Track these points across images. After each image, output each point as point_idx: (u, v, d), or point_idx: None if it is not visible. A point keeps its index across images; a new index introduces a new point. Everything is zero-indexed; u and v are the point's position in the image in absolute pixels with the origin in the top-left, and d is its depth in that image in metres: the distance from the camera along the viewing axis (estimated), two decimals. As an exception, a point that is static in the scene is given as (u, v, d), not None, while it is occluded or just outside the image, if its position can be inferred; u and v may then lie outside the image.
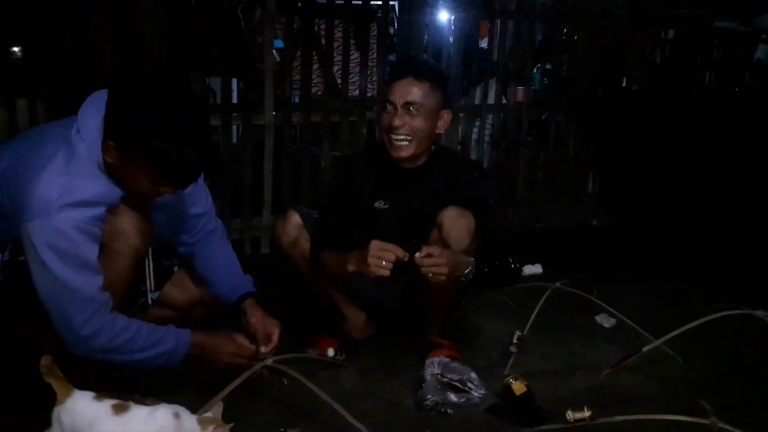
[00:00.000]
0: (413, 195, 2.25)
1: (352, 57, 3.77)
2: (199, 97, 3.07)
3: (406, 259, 1.93)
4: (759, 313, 2.20)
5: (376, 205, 2.27)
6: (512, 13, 4.32)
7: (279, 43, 3.83)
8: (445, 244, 2.10)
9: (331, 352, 2.25)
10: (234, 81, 3.95)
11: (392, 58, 4.18)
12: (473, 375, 2.08)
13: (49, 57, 2.90)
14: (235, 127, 3.76)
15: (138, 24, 2.97)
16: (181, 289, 2.03)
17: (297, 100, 3.71)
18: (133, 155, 1.55)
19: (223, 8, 3.37)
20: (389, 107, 2.15)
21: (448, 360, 2.11)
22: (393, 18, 4.64)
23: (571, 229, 4.23)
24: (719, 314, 2.18)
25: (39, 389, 1.42)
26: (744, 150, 4.34)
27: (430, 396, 1.98)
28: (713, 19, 4.90)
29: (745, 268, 3.39)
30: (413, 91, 2.13)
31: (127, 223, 1.71)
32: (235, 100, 3.86)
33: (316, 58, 3.71)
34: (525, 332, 2.33)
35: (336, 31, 3.69)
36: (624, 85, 4.71)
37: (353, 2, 3.70)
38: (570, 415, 1.82)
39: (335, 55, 3.72)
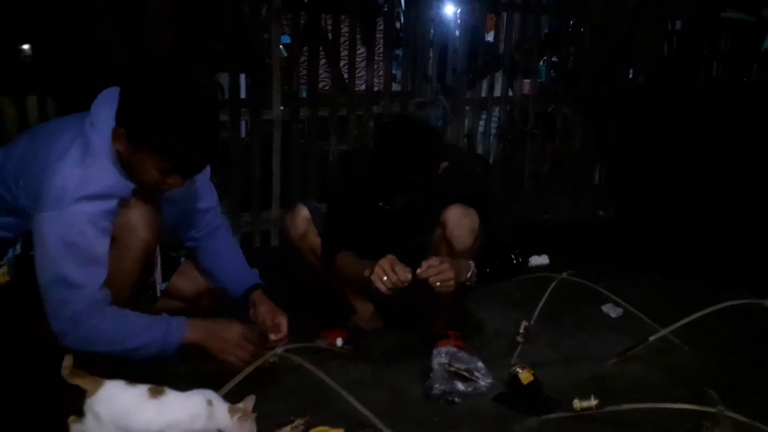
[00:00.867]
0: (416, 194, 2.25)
1: (358, 52, 3.79)
2: (206, 91, 3.10)
3: (406, 285, 1.94)
4: (766, 302, 2.21)
5: (380, 204, 2.28)
6: (518, 6, 4.31)
7: (286, 39, 3.86)
8: (448, 243, 2.11)
9: (339, 342, 2.26)
10: (242, 77, 3.97)
11: (399, 52, 4.19)
12: (480, 364, 2.08)
13: (58, 55, 2.93)
14: (243, 123, 3.79)
15: (146, 21, 2.99)
16: (188, 280, 2.06)
17: (304, 94, 3.73)
18: (142, 142, 1.58)
19: (228, 6, 3.39)
20: None
21: (455, 350, 2.11)
22: (399, 12, 4.65)
23: (578, 220, 4.23)
24: (726, 304, 2.18)
25: (42, 389, 1.41)
26: (751, 142, 4.32)
27: (437, 385, 1.99)
28: (720, 10, 4.88)
29: (752, 261, 3.38)
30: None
31: (138, 216, 1.73)
32: (243, 95, 3.88)
33: (322, 53, 3.73)
34: (532, 322, 2.34)
35: (342, 26, 3.71)
36: (630, 77, 4.71)
37: (359, -3, 3.71)
38: (577, 403, 1.83)
39: (342, 49, 3.73)
